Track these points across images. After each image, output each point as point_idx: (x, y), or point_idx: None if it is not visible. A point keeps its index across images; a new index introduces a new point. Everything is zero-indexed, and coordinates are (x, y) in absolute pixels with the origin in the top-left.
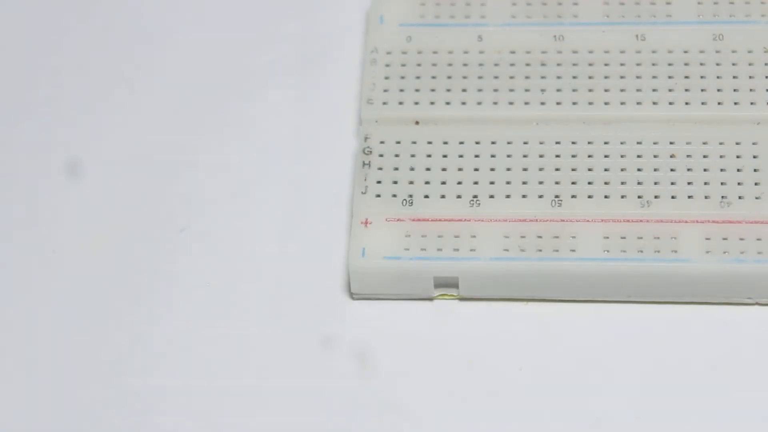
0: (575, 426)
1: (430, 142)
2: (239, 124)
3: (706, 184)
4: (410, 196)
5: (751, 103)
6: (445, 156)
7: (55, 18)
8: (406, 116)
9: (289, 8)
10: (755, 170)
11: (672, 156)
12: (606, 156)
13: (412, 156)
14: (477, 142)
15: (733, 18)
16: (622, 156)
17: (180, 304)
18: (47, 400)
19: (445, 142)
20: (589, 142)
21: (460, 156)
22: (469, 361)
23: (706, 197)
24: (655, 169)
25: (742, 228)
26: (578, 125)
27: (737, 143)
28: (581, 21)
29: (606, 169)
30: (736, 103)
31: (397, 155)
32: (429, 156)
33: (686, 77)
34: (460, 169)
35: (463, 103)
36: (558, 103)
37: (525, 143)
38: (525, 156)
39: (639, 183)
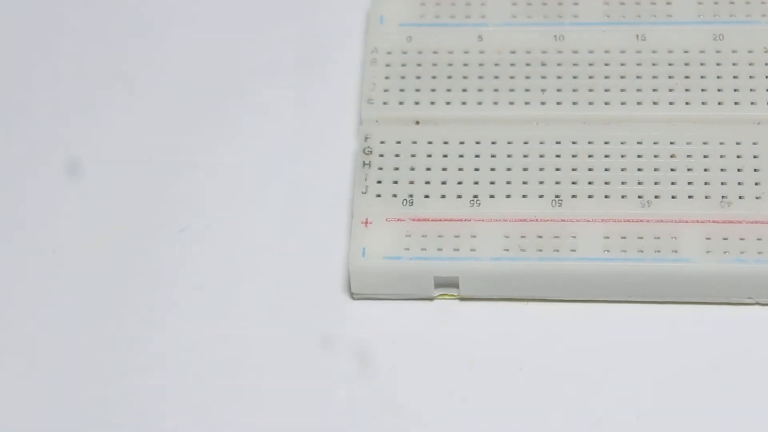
0: (575, 426)
1: (430, 142)
2: (239, 124)
3: (706, 184)
4: (410, 196)
5: (751, 103)
6: (445, 156)
7: (54, 18)
8: (406, 116)
9: (289, 8)
10: (755, 170)
11: (672, 156)
12: (606, 156)
13: (412, 156)
14: (477, 142)
15: (733, 18)
16: (622, 156)
17: (180, 304)
18: (47, 400)
19: (445, 142)
20: (589, 142)
21: (460, 156)
22: (469, 361)
23: (706, 197)
24: (655, 169)
25: (742, 228)
26: (578, 125)
27: (737, 143)
28: (581, 21)
29: (606, 169)
30: (736, 103)
31: (397, 155)
32: (429, 156)
33: (686, 77)
34: (460, 169)
35: (463, 103)
36: (558, 103)
37: (525, 143)
38: (525, 156)
39: (639, 183)
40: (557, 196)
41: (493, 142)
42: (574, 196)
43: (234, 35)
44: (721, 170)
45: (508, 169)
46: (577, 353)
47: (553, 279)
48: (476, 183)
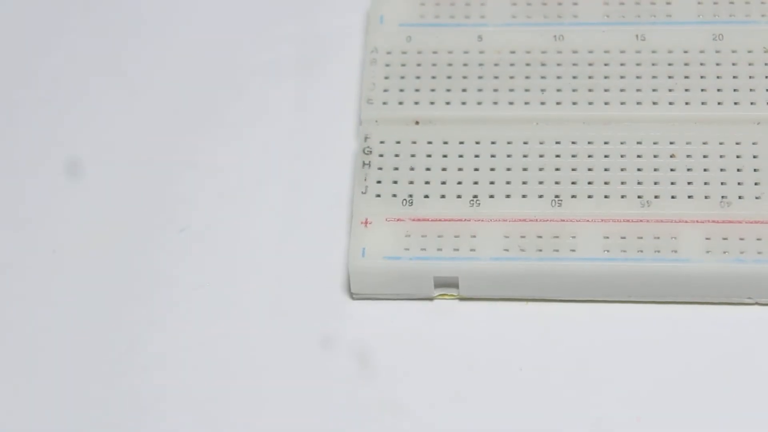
0: (575, 426)
1: (430, 142)
2: (239, 124)
3: (706, 184)
4: (410, 196)
5: (751, 103)
6: (445, 156)
7: (54, 18)
8: (406, 116)
9: (289, 8)
10: (755, 170)
11: (672, 156)
12: (606, 156)
13: (412, 156)
14: (477, 142)
15: (733, 18)
16: (622, 156)
17: (180, 304)
18: (47, 400)
19: (445, 142)
20: (589, 142)
21: (460, 156)
22: (469, 361)
23: (706, 197)
24: (655, 169)
25: (742, 228)
26: (578, 125)
27: (737, 143)
28: (581, 21)
29: (606, 169)
30: (736, 103)
31: (397, 155)
32: (429, 156)
33: (686, 77)
34: (460, 169)
35: (463, 103)
36: (558, 103)
37: (525, 143)
38: (525, 156)
39: (639, 183)
40: (557, 196)
41: (493, 142)
42: (573, 196)
43: (234, 35)
44: (721, 170)
45: (508, 169)
46: (577, 353)
47: (552, 279)
48: (476, 183)
